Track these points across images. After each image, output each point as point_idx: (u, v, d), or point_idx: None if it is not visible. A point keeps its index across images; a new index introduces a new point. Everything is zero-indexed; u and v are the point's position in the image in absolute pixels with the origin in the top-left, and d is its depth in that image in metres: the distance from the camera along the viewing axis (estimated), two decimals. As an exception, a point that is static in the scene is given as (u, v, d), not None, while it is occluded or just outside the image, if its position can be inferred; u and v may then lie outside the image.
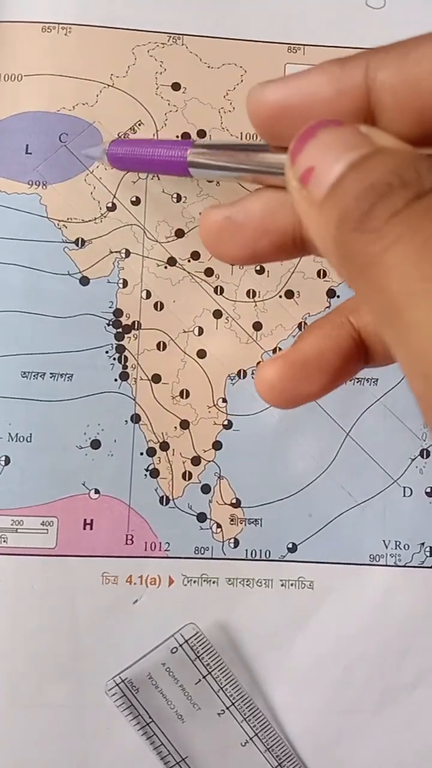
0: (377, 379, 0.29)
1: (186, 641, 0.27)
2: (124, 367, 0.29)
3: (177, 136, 0.30)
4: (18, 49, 0.30)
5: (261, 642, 0.28)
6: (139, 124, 0.30)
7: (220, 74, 0.30)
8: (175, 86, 0.30)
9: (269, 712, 0.27)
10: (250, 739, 0.27)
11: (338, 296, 0.30)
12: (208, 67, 0.30)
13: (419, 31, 0.31)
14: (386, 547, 0.28)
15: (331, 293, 0.30)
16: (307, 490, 0.29)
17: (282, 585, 0.28)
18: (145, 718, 0.27)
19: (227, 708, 0.27)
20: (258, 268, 0.30)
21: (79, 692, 0.27)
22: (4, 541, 0.27)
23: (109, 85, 0.30)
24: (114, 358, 0.29)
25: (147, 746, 0.27)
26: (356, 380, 0.29)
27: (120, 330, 0.29)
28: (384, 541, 0.28)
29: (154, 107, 0.30)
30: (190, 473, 0.29)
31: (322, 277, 0.30)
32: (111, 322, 0.29)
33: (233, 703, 0.27)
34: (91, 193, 0.29)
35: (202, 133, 0.30)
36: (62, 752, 0.27)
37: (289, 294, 0.30)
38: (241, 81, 0.30)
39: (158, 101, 0.30)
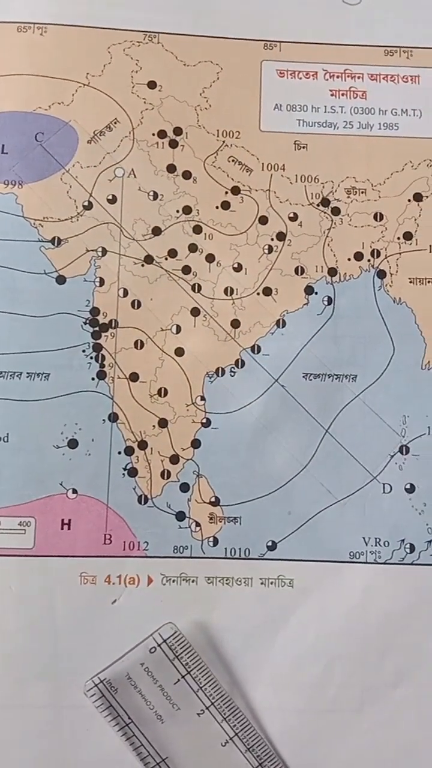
0: (356, 376, 0.29)
1: (164, 641, 0.27)
2: (102, 365, 0.29)
3: (153, 134, 0.30)
4: (-7, 49, 0.30)
5: (241, 641, 0.28)
6: (115, 123, 0.30)
7: (196, 72, 0.30)
8: (151, 84, 0.30)
9: (249, 711, 0.27)
10: (230, 739, 0.27)
11: (316, 293, 0.29)
12: (184, 65, 0.30)
13: (395, 27, 0.32)
14: (366, 545, 0.28)
15: (309, 290, 0.29)
16: (287, 487, 0.28)
17: (262, 583, 0.28)
18: (124, 718, 0.27)
19: (207, 708, 0.27)
20: (235, 265, 0.30)
21: (58, 693, 0.27)
22: (-19, 542, 0.27)
23: (84, 84, 0.30)
24: (91, 357, 0.29)
25: (126, 747, 0.26)
26: (335, 377, 0.29)
27: (97, 329, 0.29)
28: (364, 538, 0.28)
29: (130, 106, 0.30)
30: (168, 472, 0.28)
31: (299, 274, 0.30)
32: (88, 321, 0.29)
33: (213, 703, 0.27)
34: (68, 192, 0.29)
35: (178, 131, 0.30)
36: (41, 753, 0.27)
37: (267, 291, 0.29)
38: (217, 78, 0.30)
39: (134, 100, 0.30)
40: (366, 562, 0.28)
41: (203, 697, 0.27)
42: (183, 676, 0.27)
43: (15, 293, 0.28)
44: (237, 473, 0.28)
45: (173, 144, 0.30)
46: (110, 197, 0.29)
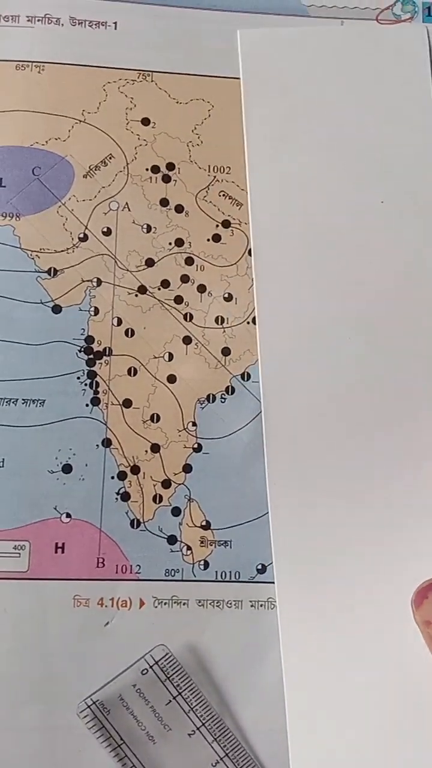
0: (343, 402, 0.30)
1: (156, 662, 0.27)
2: (96, 392, 0.29)
3: (146, 169, 0.31)
4: (-7, 87, 0.31)
5: (231, 663, 0.28)
6: (110, 158, 0.31)
7: (188, 109, 0.32)
8: (145, 121, 0.31)
9: (239, 732, 0.28)
10: (221, 759, 0.27)
11: (304, 322, 0.30)
12: (177, 102, 0.32)
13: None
14: (353, 567, 0.29)
15: (297, 319, 0.31)
16: (276, 511, 0.29)
17: (252, 606, 0.29)
18: (116, 739, 0.27)
19: (198, 728, 0.27)
20: (226, 295, 0.31)
21: (51, 715, 0.27)
22: (-24, 565, 0.28)
23: (80, 121, 0.31)
24: (85, 384, 0.29)
25: (118, 768, 0.27)
26: (322, 403, 0.30)
27: (91, 356, 0.30)
28: (351, 561, 0.29)
29: (125, 141, 0.31)
30: (160, 496, 0.29)
31: (288, 303, 0.31)
32: (83, 349, 0.30)
33: (203, 724, 0.27)
34: (63, 225, 0.30)
35: (171, 166, 0.31)
36: (34, 776, 0.27)
37: (255, 321, 0.30)
38: (209, 115, 0.32)
39: (128, 136, 0.31)
40: (353, 585, 0.29)
41: (194, 717, 0.27)
42: (174, 697, 0.27)
43: (12, 322, 0.29)
44: (227, 497, 0.29)
45: (166, 179, 0.31)
46: (105, 230, 0.30)
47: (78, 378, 0.29)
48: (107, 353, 0.30)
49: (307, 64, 0.31)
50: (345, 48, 0.32)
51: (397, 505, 0.29)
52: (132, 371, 0.30)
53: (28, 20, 0.31)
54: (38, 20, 0.31)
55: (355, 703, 0.27)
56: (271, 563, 0.29)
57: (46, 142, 0.31)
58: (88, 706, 0.27)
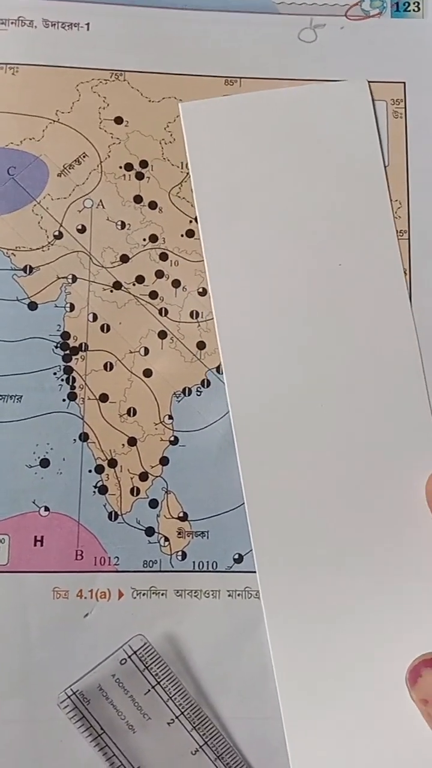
0: (317, 393, 0.30)
1: (134, 652, 0.28)
2: (72, 387, 0.30)
3: (120, 167, 0.31)
4: (-33, 89, 0.31)
5: (209, 651, 0.29)
6: (84, 156, 0.31)
7: (160, 107, 0.32)
8: (118, 120, 0.32)
9: (218, 720, 0.28)
10: (200, 747, 0.28)
11: (278, 315, 0.31)
12: (149, 101, 0.32)
13: (348, 63, 0.33)
14: (329, 555, 0.29)
15: (271, 312, 0.31)
16: (252, 501, 0.30)
17: (229, 595, 0.29)
18: (96, 729, 0.27)
19: (177, 717, 0.28)
20: (200, 290, 0.31)
21: (31, 707, 0.28)
22: None
23: (54, 121, 0.31)
24: (62, 380, 0.30)
25: (99, 757, 0.27)
26: (297, 394, 0.30)
27: (68, 352, 0.30)
28: (327, 549, 0.29)
29: (98, 140, 0.31)
30: (138, 489, 0.29)
31: (262, 296, 0.31)
32: (59, 345, 0.30)
33: (182, 712, 0.28)
34: (39, 223, 0.31)
35: (144, 164, 0.32)
36: (16, 767, 0.28)
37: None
38: (181, 114, 0.32)
39: (102, 135, 0.32)
40: (329, 573, 0.29)
41: (173, 706, 0.28)
42: (153, 687, 0.28)
43: (-12, 319, 0.30)
44: (204, 489, 0.30)
45: (139, 176, 0.31)
46: (80, 227, 0.31)
47: (54, 374, 0.30)
48: (83, 349, 0.30)
49: (251, 131, 0.31)
50: (289, 111, 0.31)
51: (370, 495, 0.29)
52: (108, 366, 0.30)
53: (1, 23, 0.32)
54: (11, 23, 0.32)
55: (345, 686, 0.28)
56: (248, 552, 0.29)
57: (21, 142, 0.31)
58: (68, 697, 0.28)
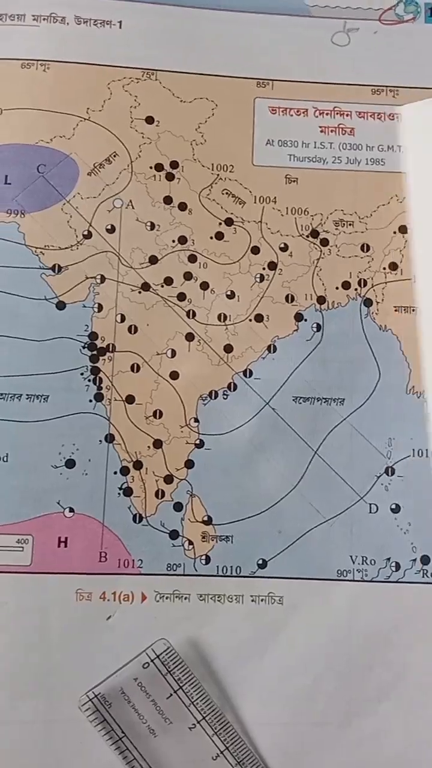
0: (343, 399, 0.30)
1: (157, 656, 0.28)
2: (99, 388, 0.30)
3: (150, 167, 0.31)
4: (-2, 85, 0.31)
5: (231, 656, 0.28)
6: (115, 156, 0.31)
7: (192, 108, 0.32)
8: (149, 119, 0.32)
9: (239, 725, 0.28)
10: (221, 753, 0.28)
11: (305, 320, 0.31)
12: (181, 101, 0.32)
13: (381, 67, 0.33)
14: (353, 563, 0.29)
15: (298, 317, 0.31)
16: (277, 507, 0.29)
17: (252, 600, 0.29)
18: (117, 732, 0.27)
19: (198, 722, 0.28)
20: (228, 292, 0.31)
21: (52, 708, 0.28)
22: (-21, 559, 0.28)
23: (85, 119, 0.31)
24: (89, 380, 0.30)
25: (120, 761, 0.27)
26: (323, 400, 0.30)
27: (95, 352, 0.30)
28: (351, 556, 0.29)
29: (129, 140, 0.31)
30: (162, 491, 0.29)
31: (290, 301, 0.31)
32: (86, 345, 0.30)
33: (204, 717, 0.28)
34: (68, 222, 0.30)
35: (174, 164, 0.31)
36: None
37: (259, 318, 0.31)
38: (212, 114, 0.32)
39: (133, 134, 0.31)
40: (353, 580, 0.29)
41: (195, 711, 0.28)
42: (175, 691, 0.28)
43: (16, 318, 0.29)
44: (229, 493, 0.29)
45: (170, 177, 0.31)
46: (109, 227, 0.31)
47: (81, 374, 0.30)
48: (110, 349, 0.30)
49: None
50: None
51: None
52: (135, 367, 0.30)
53: (34, 19, 0.32)
54: (44, 19, 0.32)
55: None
56: (272, 557, 0.29)
57: (51, 139, 0.31)
58: (90, 700, 0.28)
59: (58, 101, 0.31)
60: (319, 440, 0.30)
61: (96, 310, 0.30)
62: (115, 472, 0.29)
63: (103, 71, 0.32)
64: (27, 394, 0.29)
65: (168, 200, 0.31)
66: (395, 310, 0.31)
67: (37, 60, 0.31)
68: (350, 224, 0.31)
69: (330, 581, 0.29)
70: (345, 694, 0.28)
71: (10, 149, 0.31)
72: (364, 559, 0.29)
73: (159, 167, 0.31)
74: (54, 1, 0.32)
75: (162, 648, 0.28)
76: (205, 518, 0.29)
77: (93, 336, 0.30)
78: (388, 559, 0.29)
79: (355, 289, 0.31)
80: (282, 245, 0.31)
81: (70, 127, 0.31)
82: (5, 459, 0.29)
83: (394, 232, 0.31)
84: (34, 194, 0.30)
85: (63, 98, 0.31)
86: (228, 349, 0.30)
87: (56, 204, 0.30)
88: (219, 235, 0.31)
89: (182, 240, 0.31)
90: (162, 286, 0.31)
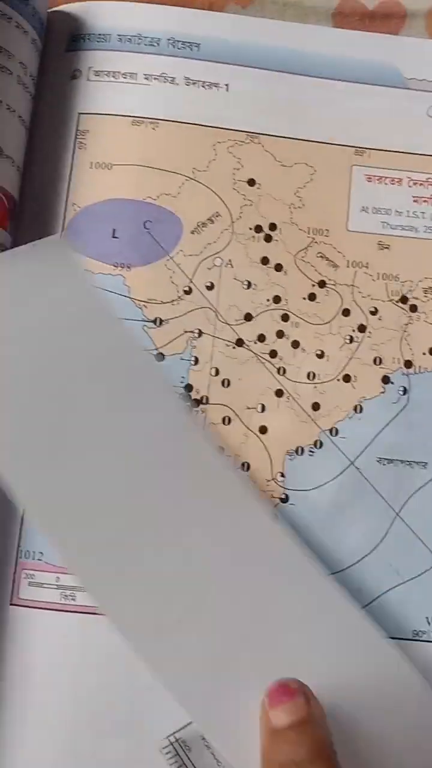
0: (426, 463, 0.31)
1: (238, 705, 0.29)
2: (192, 439, 0.31)
3: (250, 228, 0.32)
4: (110, 140, 0.32)
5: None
6: (217, 216, 0.32)
7: (291, 172, 0.33)
8: (251, 182, 0.33)
9: (314, 777, 0.29)
10: (294, 802, 0.28)
11: (392, 383, 0.32)
12: (281, 165, 0.33)
13: None
14: (429, 624, 0.30)
15: (385, 379, 0.32)
16: (357, 566, 0.30)
17: (329, 654, 0.30)
18: (195, 776, 0.28)
19: (274, 771, 0.29)
20: (318, 352, 0.32)
21: (135, 749, 0.29)
22: (72, 599, 0.29)
23: (191, 178, 0.33)
24: (182, 431, 0.31)
25: (196, 804, 0.28)
26: (407, 462, 0.31)
27: (189, 404, 0.31)
28: (427, 618, 0.30)
29: (231, 201, 0.33)
30: (248, 543, 0.30)
31: (377, 364, 0.32)
32: (182, 396, 0.31)
33: (280, 767, 0.29)
34: (170, 278, 0.32)
35: (273, 226, 0.33)
36: (115, 805, 0.28)
37: (347, 378, 0.32)
38: (311, 179, 0.33)
39: (235, 195, 0.33)
40: (428, 641, 0.30)
41: (272, 760, 0.28)
42: (254, 740, 0.29)
43: (117, 367, 0.31)
44: (311, 549, 0.30)
45: (268, 238, 0.32)
46: (208, 284, 0.32)
47: (176, 424, 0.31)
48: (204, 401, 0.31)
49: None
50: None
51: None
52: (226, 420, 0.31)
53: (146, 78, 0.33)
54: (155, 78, 0.33)
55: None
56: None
57: (158, 197, 0.32)
58: (171, 743, 0.28)
59: (165, 159, 0.32)
60: (401, 502, 0.31)
61: (192, 362, 0.31)
62: (203, 522, 0.30)
63: (209, 132, 0.33)
64: (124, 442, 0.30)
65: (265, 261, 0.32)
66: None
67: (147, 118, 0.33)
68: (441, 294, 0.33)
69: (406, 641, 0.30)
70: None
71: (119, 204, 0.32)
72: (440, 621, 0.30)
73: (258, 229, 0.33)
74: (165, 62, 0.33)
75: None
76: (288, 572, 0.30)
77: (188, 388, 0.31)
78: (463, 622, 0.30)
79: (442, 357, 0.32)
80: (372, 309, 0.32)
81: (177, 185, 0.32)
82: (100, 503, 0.30)
83: None
84: (139, 249, 0.32)
85: (170, 157, 0.33)
86: (316, 407, 0.32)
87: (160, 260, 0.32)
88: (312, 297, 0.32)
89: (276, 299, 0.32)
90: (255, 343, 0.32)
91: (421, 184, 0.33)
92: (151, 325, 0.31)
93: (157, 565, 0.27)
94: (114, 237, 0.32)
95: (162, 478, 0.28)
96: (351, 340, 0.32)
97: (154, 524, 0.28)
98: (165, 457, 0.28)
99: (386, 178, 0.33)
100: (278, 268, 0.32)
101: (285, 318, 0.32)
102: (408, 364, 0.32)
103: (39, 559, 0.29)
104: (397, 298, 0.32)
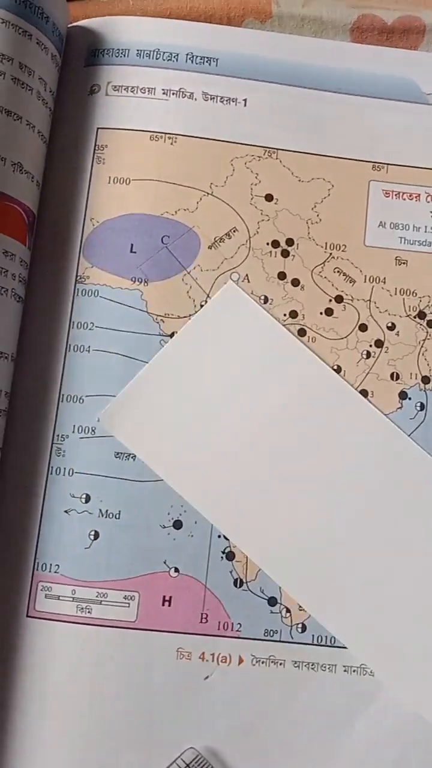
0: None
1: (187, 765, 0.28)
2: (208, 453, 0.31)
3: (267, 243, 0.33)
4: (129, 155, 0.33)
5: (322, 724, 0.29)
6: (234, 231, 0.33)
7: (309, 187, 0.33)
8: (268, 197, 0.33)
9: (328, 794, 0.29)
10: None
11: (409, 398, 0.32)
12: (299, 180, 0.33)
13: None
14: (445, 642, 0.30)
15: (403, 395, 0.32)
16: (373, 581, 0.30)
17: (345, 671, 0.30)
18: (210, 791, 0.29)
19: (289, 787, 0.29)
20: (335, 367, 0.32)
21: (149, 761, 0.29)
22: (88, 612, 0.29)
23: (208, 193, 0.33)
24: (199, 445, 0.31)
25: None
26: (423, 479, 0.31)
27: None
28: (443, 635, 0.30)
29: (249, 216, 0.33)
30: (263, 558, 0.31)
31: (395, 379, 0.32)
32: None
33: (295, 783, 0.29)
34: (188, 292, 0.32)
35: (290, 242, 0.33)
36: None
37: (364, 393, 0.32)
38: (328, 195, 0.33)
39: (252, 210, 0.33)
40: (444, 658, 0.30)
41: (286, 776, 0.29)
42: (269, 755, 0.29)
43: (135, 382, 0.31)
44: (327, 564, 0.31)
45: (285, 254, 0.33)
46: (225, 298, 0.32)
47: (192, 439, 0.31)
48: (220, 416, 0.31)
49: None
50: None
51: None
52: (242, 435, 0.31)
53: (164, 93, 0.33)
54: (173, 93, 0.33)
55: None
56: (365, 631, 0.30)
57: (176, 212, 0.32)
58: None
59: (183, 175, 0.33)
60: (417, 518, 0.31)
61: (209, 377, 0.32)
62: (219, 536, 0.30)
63: (227, 147, 0.33)
64: (141, 456, 0.31)
65: (282, 276, 0.32)
66: None
67: (166, 133, 0.33)
68: (459, 310, 0.33)
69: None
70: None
71: (137, 219, 0.32)
72: (456, 638, 0.30)
73: (275, 244, 0.33)
74: (183, 77, 0.34)
75: (191, 756, 0.29)
76: (303, 587, 0.30)
77: (205, 402, 0.31)
78: None
79: (459, 373, 0.32)
80: (389, 324, 0.32)
81: (194, 200, 0.33)
82: (117, 516, 0.30)
83: None
84: (157, 264, 0.32)
85: (188, 172, 0.33)
86: (332, 422, 0.32)
87: (177, 274, 0.32)
88: (329, 312, 0.32)
89: (293, 314, 0.32)
90: (272, 358, 0.32)
91: (438, 199, 0.33)
92: (168, 339, 0.32)
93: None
94: (132, 252, 0.32)
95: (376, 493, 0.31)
96: (368, 355, 0.32)
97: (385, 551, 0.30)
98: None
99: (404, 193, 0.33)
100: (295, 283, 0.33)
101: (302, 333, 0.32)
102: (426, 379, 0.32)
103: (55, 572, 0.30)
104: (414, 313, 0.32)
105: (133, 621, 0.30)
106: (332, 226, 0.33)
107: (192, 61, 0.34)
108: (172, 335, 0.32)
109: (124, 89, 0.33)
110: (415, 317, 0.32)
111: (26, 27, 0.31)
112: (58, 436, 0.31)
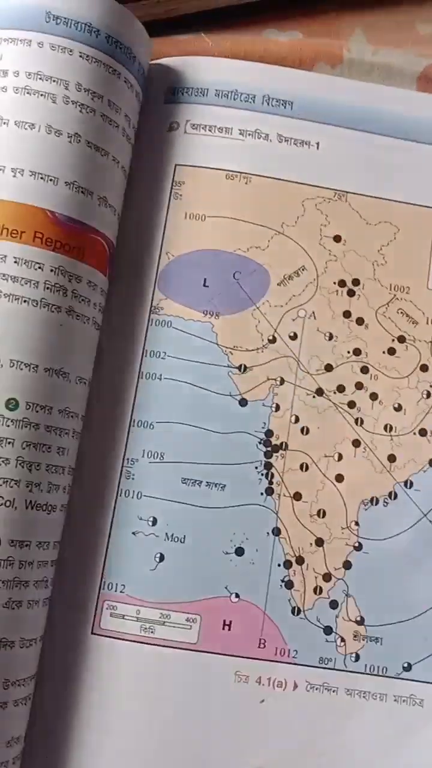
0: None
1: None
2: (270, 483, 0.32)
3: (334, 283, 0.34)
4: (205, 192, 0.34)
5: (371, 752, 0.30)
6: (303, 269, 0.34)
7: (376, 231, 0.34)
8: (337, 238, 0.34)
9: None
10: None
11: (466, 439, 0.33)
12: (367, 223, 0.34)
13: None
14: None
15: (459, 436, 0.33)
16: (425, 615, 0.31)
17: (395, 700, 0.31)
18: None
19: None
20: (396, 405, 0.33)
21: (205, 780, 0.30)
22: (151, 632, 0.31)
23: (279, 233, 0.34)
24: (262, 474, 0.32)
25: None
26: None
27: (269, 449, 0.32)
28: None
29: (317, 255, 0.34)
30: (320, 588, 0.31)
31: (452, 420, 0.33)
32: (262, 441, 0.32)
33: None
34: (256, 326, 0.33)
35: (356, 282, 0.34)
36: None
37: (423, 432, 0.33)
38: (394, 238, 0.34)
39: (321, 250, 0.34)
40: None
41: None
42: (321, 781, 0.30)
43: (204, 410, 0.32)
44: (382, 597, 0.31)
45: (351, 293, 0.34)
46: (292, 334, 0.33)
47: (256, 468, 0.32)
48: (283, 447, 0.32)
49: None
50: None
51: None
52: (304, 467, 0.32)
53: (240, 133, 0.35)
54: (249, 134, 0.35)
55: None
56: (417, 662, 0.31)
57: (248, 249, 0.34)
58: (240, 777, 0.30)
59: (256, 214, 0.34)
60: (471, 556, 0.32)
61: (274, 409, 0.33)
62: (279, 565, 0.31)
63: (298, 189, 0.34)
64: (207, 482, 0.32)
65: (347, 314, 0.34)
66: None
67: (241, 173, 0.34)
68: None
69: (471, 692, 0.31)
70: None
71: (212, 255, 0.33)
72: None
73: (342, 283, 0.34)
74: (259, 119, 0.35)
75: None
76: (358, 618, 0.31)
77: (269, 433, 0.32)
78: None
79: None
80: (449, 366, 0.34)
81: (266, 239, 0.34)
82: (182, 540, 0.31)
83: None
84: (228, 298, 0.33)
85: (261, 211, 0.34)
86: (391, 458, 0.33)
87: (247, 309, 0.33)
88: (391, 351, 0.34)
89: (357, 352, 0.33)
90: (335, 393, 0.33)
91: None
92: (236, 371, 0.33)
93: None
94: (204, 285, 0.33)
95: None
96: (428, 395, 0.33)
97: None
98: None
99: (467, 239, 0.35)
100: (360, 321, 0.34)
101: (364, 370, 0.33)
102: None
103: (121, 591, 0.31)
104: (473, 356, 0.34)
105: (194, 643, 0.31)
106: (397, 268, 0.34)
107: (268, 103, 0.35)
108: (239, 367, 0.33)
109: (202, 128, 0.35)
110: (474, 360, 0.34)
111: (115, 66, 0.32)
112: (128, 459, 0.32)
